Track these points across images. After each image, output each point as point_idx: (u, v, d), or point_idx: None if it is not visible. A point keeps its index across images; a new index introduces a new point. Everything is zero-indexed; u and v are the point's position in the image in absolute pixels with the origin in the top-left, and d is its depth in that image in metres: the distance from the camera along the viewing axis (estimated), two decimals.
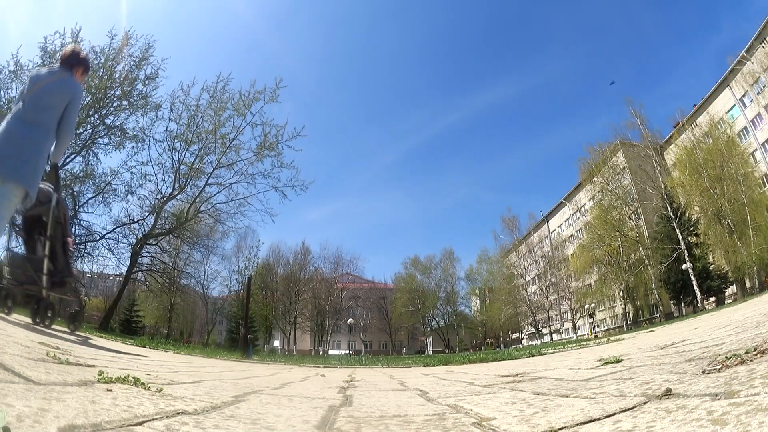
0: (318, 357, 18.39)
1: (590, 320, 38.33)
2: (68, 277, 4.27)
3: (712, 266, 26.01)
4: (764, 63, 26.40)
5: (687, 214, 27.12)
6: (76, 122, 3.55)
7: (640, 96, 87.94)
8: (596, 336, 24.38)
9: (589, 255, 33.39)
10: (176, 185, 17.92)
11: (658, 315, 33.04)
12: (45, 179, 3.80)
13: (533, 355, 3.67)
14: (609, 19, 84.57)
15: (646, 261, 30.06)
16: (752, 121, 30.12)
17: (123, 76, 17.20)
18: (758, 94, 28.71)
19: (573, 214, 45.45)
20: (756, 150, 29.31)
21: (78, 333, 4.58)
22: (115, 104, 17.40)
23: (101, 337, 6.28)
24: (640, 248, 30.74)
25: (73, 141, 17.13)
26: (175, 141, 17.66)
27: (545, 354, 3.69)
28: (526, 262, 48.38)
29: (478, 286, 51.95)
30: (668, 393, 0.64)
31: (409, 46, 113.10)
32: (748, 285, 26.04)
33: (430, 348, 52.81)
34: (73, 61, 3.29)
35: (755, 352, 0.81)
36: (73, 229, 18.32)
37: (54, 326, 4.18)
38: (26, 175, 2.70)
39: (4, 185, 2.60)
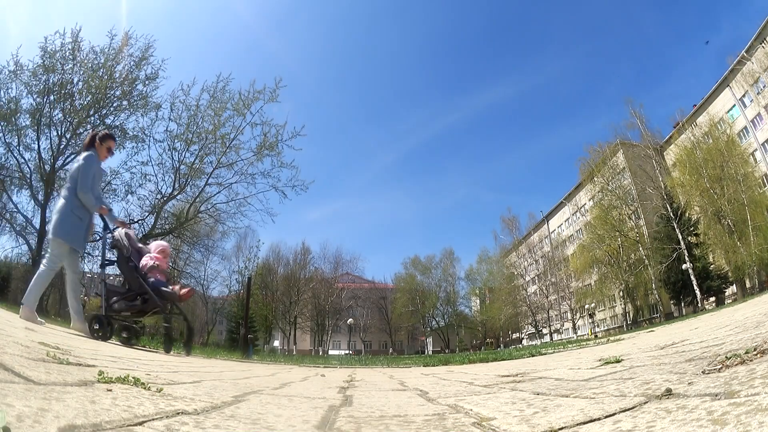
0: (318, 357, 18.39)
1: (590, 320, 38.34)
2: (147, 292, 4.41)
3: (712, 266, 26.02)
4: (764, 63, 26.39)
5: (687, 214, 27.13)
6: (86, 176, 4.38)
7: (640, 96, 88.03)
8: (596, 336, 24.38)
9: (589, 255, 33.40)
10: (176, 185, 17.92)
11: (658, 315, 33.04)
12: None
13: (533, 355, 3.67)
14: (609, 19, 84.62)
15: (646, 261, 30.07)
16: (752, 121, 30.13)
17: (123, 76, 17.19)
18: (758, 94, 28.71)
19: (573, 214, 45.46)
20: (756, 150, 29.32)
21: (176, 354, 4.55)
22: (115, 104, 17.41)
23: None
24: (640, 248, 30.75)
25: (73, 141, 17.17)
26: (175, 141, 17.65)
27: (545, 354, 3.69)
28: (526, 262, 48.40)
29: (478, 286, 51.98)
30: (668, 393, 0.64)
31: (409, 45, 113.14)
32: (748, 285, 26.05)
33: (430, 348, 52.81)
34: (91, 143, 4.58)
35: (755, 352, 0.81)
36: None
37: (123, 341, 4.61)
38: (61, 232, 4.28)
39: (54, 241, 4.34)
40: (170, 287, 4.62)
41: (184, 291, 4.69)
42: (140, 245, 4.88)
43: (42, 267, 4.27)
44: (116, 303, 4.37)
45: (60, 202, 4.40)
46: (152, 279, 4.47)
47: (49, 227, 4.30)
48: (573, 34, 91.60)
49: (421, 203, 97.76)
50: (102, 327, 4.13)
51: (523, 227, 50.43)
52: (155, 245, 4.91)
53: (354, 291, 52.24)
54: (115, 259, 4.72)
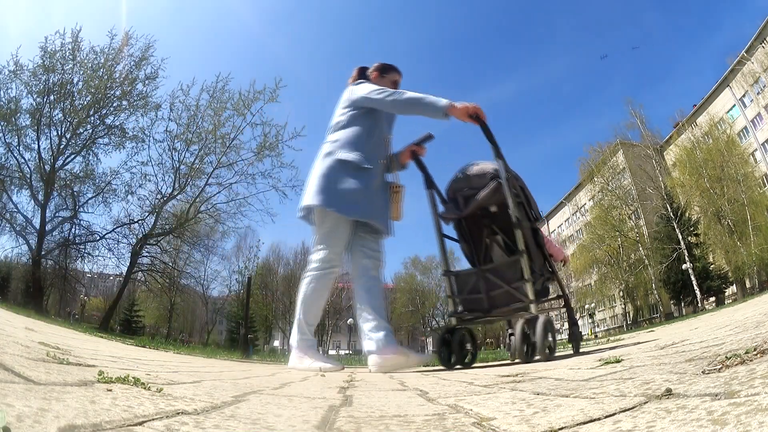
0: None
1: (590, 320, 38.33)
2: (550, 276, 2.70)
3: (712, 266, 26.03)
4: (764, 63, 26.40)
5: (687, 214, 27.14)
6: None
7: (640, 96, 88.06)
8: (596, 336, 24.38)
9: (589, 255, 33.40)
10: (176, 185, 17.95)
11: (658, 315, 33.05)
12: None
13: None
14: (609, 19, 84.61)
15: (646, 261, 30.07)
16: (752, 121, 30.14)
17: (123, 76, 17.23)
18: (758, 94, 28.72)
19: (573, 214, 45.46)
20: (756, 150, 29.33)
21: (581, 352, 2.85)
22: (115, 104, 17.44)
23: (101, 337, 6.28)
24: (640, 248, 30.75)
25: (73, 141, 17.20)
26: (175, 141, 17.69)
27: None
28: None
29: None
30: (668, 393, 0.64)
31: (410, 44, 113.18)
32: (748, 285, 26.07)
33: (430, 348, 52.83)
34: (360, 75, 2.97)
35: (755, 352, 0.81)
36: (73, 228, 18.31)
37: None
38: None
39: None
40: None
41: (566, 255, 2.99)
42: None
43: (308, 276, 2.65)
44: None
45: (328, 150, 2.64)
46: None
47: (316, 188, 2.58)
48: (573, 33, 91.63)
49: (421, 203, 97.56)
50: (554, 332, 2.34)
51: None
52: None
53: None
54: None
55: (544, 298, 2.70)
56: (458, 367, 2.38)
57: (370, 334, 2.43)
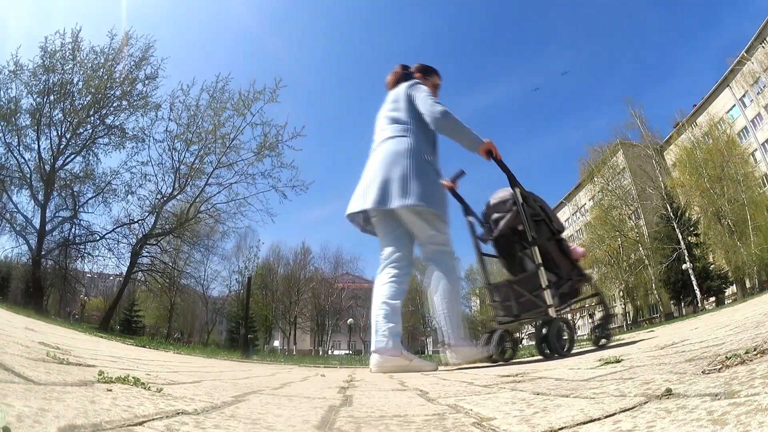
0: (318, 357, 18.42)
1: (590, 320, 38.32)
2: (579, 278, 2.96)
3: (712, 266, 26.03)
4: (764, 63, 26.40)
5: (687, 214, 27.15)
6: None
7: (640, 95, 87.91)
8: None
9: (589, 255, 33.41)
10: (176, 185, 17.94)
11: (658, 315, 33.05)
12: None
13: (533, 355, 3.67)
14: (610, 19, 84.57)
15: (646, 261, 30.08)
16: (752, 121, 30.15)
17: (123, 76, 17.22)
18: (758, 94, 28.74)
19: (573, 214, 45.45)
20: (756, 150, 29.34)
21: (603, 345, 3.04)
22: (115, 104, 17.44)
23: (101, 337, 6.28)
24: (640, 248, 30.75)
25: (73, 141, 17.21)
26: (175, 141, 17.69)
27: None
28: None
29: (479, 286, 51.96)
30: (668, 393, 0.64)
31: (409, 45, 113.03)
32: (748, 285, 26.07)
33: (430, 348, 52.78)
34: (405, 76, 3.04)
35: (755, 352, 0.81)
36: (73, 228, 18.31)
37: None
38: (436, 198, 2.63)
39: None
40: None
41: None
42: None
43: (446, 263, 2.59)
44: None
45: (399, 147, 2.60)
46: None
47: (411, 190, 2.46)
48: (573, 33, 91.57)
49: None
50: (571, 332, 2.67)
51: None
52: None
53: (354, 291, 52.21)
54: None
55: (575, 298, 3.03)
56: (500, 362, 2.66)
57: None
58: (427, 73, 3.03)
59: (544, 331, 2.60)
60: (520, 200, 2.81)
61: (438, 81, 3.06)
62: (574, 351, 2.70)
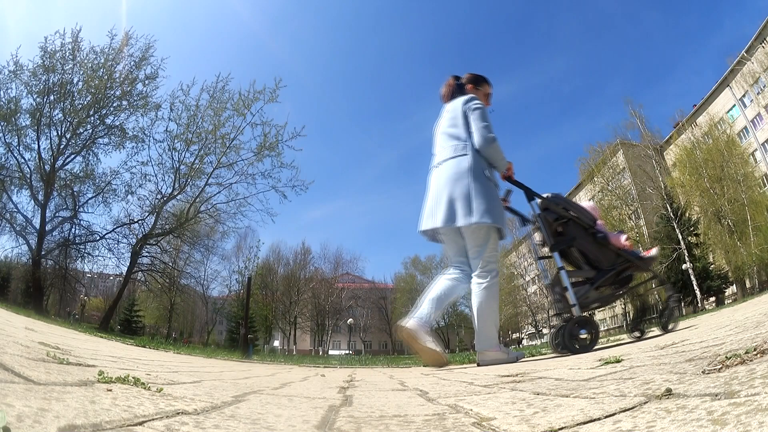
0: (318, 357, 18.43)
1: (561, 325, 38.19)
2: (626, 266, 3.06)
3: (712, 266, 26.03)
4: (764, 63, 26.40)
5: (687, 214, 27.14)
6: (488, 121, 2.97)
7: (640, 95, 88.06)
8: None
9: None
10: (176, 185, 17.95)
11: (658, 315, 33.01)
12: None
13: (533, 355, 3.67)
14: (610, 19, 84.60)
15: None
16: (752, 121, 30.15)
17: (123, 76, 17.21)
18: (758, 94, 28.73)
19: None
20: (756, 150, 29.34)
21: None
22: (115, 104, 17.42)
23: (101, 337, 6.28)
24: (640, 248, 30.72)
25: (73, 141, 17.21)
26: (175, 141, 17.69)
27: (545, 354, 3.69)
28: (526, 262, 48.39)
29: None
30: (668, 393, 0.64)
31: (409, 45, 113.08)
32: (748, 285, 26.07)
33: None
34: (458, 89, 3.22)
35: (755, 352, 0.80)
36: (73, 228, 18.30)
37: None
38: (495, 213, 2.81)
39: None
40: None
41: (656, 250, 3.47)
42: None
43: (486, 280, 2.73)
44: (588, 293, 2.97)
45: (461, 166, 2.79)
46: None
47: (474, 209, 2.67)
48: (574, 33, 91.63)
49: (421, 202, 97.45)
50: (595, 329, 2.69)
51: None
52: (590, 207, 3.44)
53: (354, 291, 52.22)
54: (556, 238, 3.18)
55: (626, 286, 3.21)
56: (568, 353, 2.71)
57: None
58: (478, 83, 3.18)
59: (562, 329, 2.81)
60: (539, 212, 3.10)
61: (489, 89, 3.22)
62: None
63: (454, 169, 2.80)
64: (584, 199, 39.21)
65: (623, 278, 3.15)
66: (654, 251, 3.43)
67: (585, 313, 2.87)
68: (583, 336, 2.66)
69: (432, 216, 2.84)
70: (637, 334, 3.56)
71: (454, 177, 2.78)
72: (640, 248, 3.72)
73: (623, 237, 3.21)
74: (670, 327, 3.18)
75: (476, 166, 2.78)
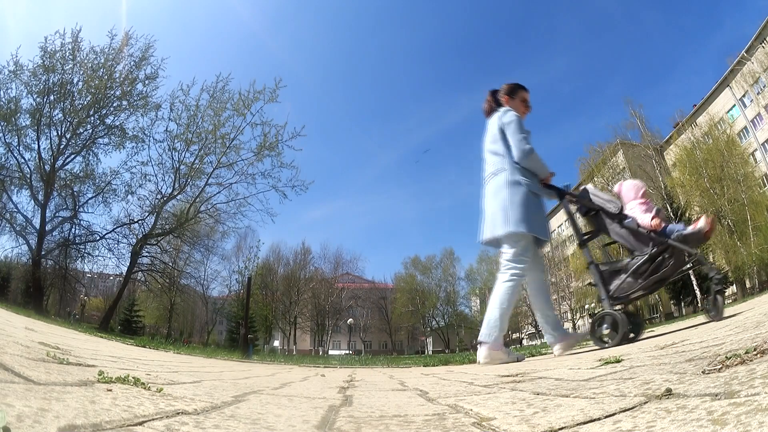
0: (318, 357, 18.41)
1: (590, 320, 38.29)
2: (663, 250, 2.87)
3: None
4: (764, 63, 26.39)
5: (687, 214, 27.11)
6: (525, 134, 3.15)
7: (640, 95, 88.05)
8: None
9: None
10: (176, 185, 17.96)
11: (658, 315, 33.03)
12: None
13: (533, 355, 3.67)
14: (610, 19, 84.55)
15: None
16: (752, 121, 30.14)
17: (123, 76, 17.21)
18: (758, 94, 28.72)
19: (573, 214, 45.42)
20: (756, 150, 29.33)
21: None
22: (115, 104, 17.43)
23: (101, 337, 6.28)
24: None
25: (73, 141, 17.20)
26: (175, 141, 17.70)
27: (545, 354, 3.69)
28: None
29: (479, 286, 51.95)
30: (668, 393, 0.64)
31: (409, 45, 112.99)
32: (748, 285, 26.05)
33: (430, 348, 52.80)
34: (494, 100, 3.44)
35: (755, 352, 0.80)
36: (73, 228, 18.29)
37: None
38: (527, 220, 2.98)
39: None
40: (681, 224, 3.11)
41: (704, 221, 2.99)
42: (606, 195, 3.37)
43: (504, 277, 2.91)
44: (623, 284, 2.89)
45: (499, 182, 3.05)
46: (664, 225, 3.00)
47: (510, 218, 2.88)
48: (574, 33, 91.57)
49: (421, 202, 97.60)
50: (618, 325, 2.65)
51: None
52: (625, 187, 3.38)
53: (354, 291, 52.21)
54: (589, 228, 3.27)
55: (675, 271, 3.02)
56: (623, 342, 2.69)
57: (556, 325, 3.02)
58: (513, 92, 3.37)
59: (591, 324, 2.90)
60: (568, 210, 3.29)
61: (525, 95, 3.40)
62: (573, 351, 2.89)
63: (495, 185, 3.09)
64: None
65: (660, 262, 2.87)
66: (701, 223, 2.96)
67: (617, 307, 2.88)
68: (606, 332, 2.69)
69: (484, 228, 3.16)
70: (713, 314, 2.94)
71: (494, 192, 3.08)
72: (684, 222, 3.43)
73: (649, 216, 3.01)
74: (713, 315, 2.84)
75: (512, 179, 3.02)
